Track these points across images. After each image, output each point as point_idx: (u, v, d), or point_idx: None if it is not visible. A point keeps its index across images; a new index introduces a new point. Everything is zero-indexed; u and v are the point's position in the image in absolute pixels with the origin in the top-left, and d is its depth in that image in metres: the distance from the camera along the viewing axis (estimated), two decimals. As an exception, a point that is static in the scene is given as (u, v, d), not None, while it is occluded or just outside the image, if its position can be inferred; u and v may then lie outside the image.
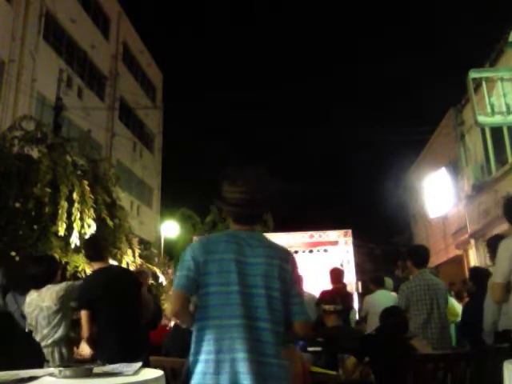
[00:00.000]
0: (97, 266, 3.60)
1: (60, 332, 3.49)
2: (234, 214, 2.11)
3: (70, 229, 7.58)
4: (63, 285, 3.60)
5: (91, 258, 3.68)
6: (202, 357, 1.90)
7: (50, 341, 3.46)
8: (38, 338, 3.46)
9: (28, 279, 3.68)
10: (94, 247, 3.73)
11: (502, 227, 7.40)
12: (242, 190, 2.04)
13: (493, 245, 4.15)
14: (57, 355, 3.44)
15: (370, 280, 6.77)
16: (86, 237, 7.67)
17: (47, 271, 3.69)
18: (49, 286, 3.59)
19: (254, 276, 1.96)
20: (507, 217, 3.22)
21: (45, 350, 3.41)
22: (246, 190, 2.04)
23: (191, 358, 1.93)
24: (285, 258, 2.06)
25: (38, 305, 3.52)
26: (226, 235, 2.10)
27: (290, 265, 2.06)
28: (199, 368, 1.90)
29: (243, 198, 2.03)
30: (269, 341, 1.91)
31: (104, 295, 3.32)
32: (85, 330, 3.37)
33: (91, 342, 3.44)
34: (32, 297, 3.58)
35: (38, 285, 3.59)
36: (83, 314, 3.38)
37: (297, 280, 2.04)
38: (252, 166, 2.12)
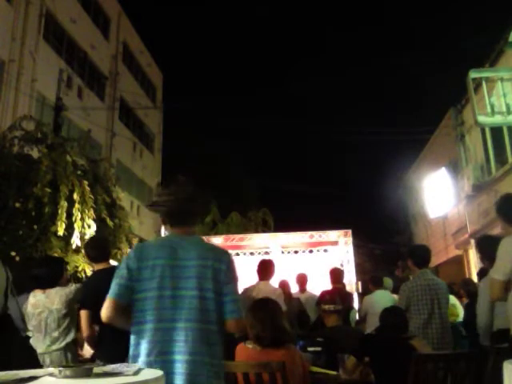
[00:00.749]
0: (98, 266, 3.58)
1: (72, 335, 3.50)
2: (167, 218, 2.22)
3: (69, 229, 7.58)
4: (72, 288, 3.59)
5: (93, 258, 3.66)
6: (138, 359, 2.01)
7: (62, 344, 3.45)
8: (46, 340, 3.44)
9: (32, 279, 3.66)
10: (97, 248, 3.71)
11: (502, 227, 7.39)
12: (170, 191, 2.20)
13: (481, 245, 4.16)
14: (70, 356, 3.45)
15: (369, 280, 6.79)
16: (87, 237, 7.69)
17: (52, 272, 3.68)
18: (57, 288, 3.58)
19: (187, 278, 2.05)
20: (506, 216, 3.16)
21: (57, 353, 3.41)
22: (174, 192, 2.19)
23: (129, 361, 2.03)
24: (218, 258, 2.13)
25: (47, 307, 3.49)
26: (160, 240, 2.28)
27: (224, 264, 2.12)
28: None
29: (172, 199, 2.17)
30: (201, 341, 2.00)
31: (105, 296, 3.31)
32: (84, 330, 3.37)
33: (91, 342, 3.44)
34: (38, 298, 3.55)
35: (43, 286, 3.57)
36: (83, 314, 3.38)
37: (231, 279, 2.13)
38: (182, 176, 2.30)
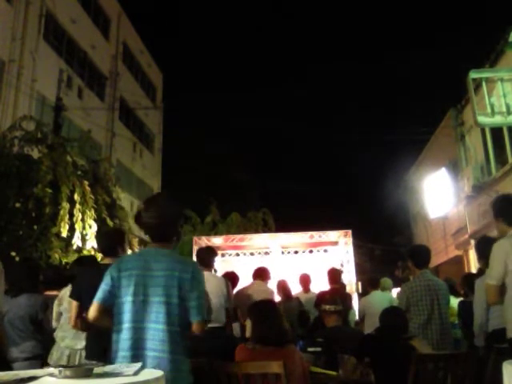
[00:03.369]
0: (104, 260, 3.54)
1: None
2: (150, 235, 2.57)
3: (70, 229, 7.59)
4: None
5: (101, 251, 3.64)
6: (117, 353, 2.35)
7: None
8: (79, 337, 3.41)
9: (66, 279, 3.65)
10: (103, 240, 3.71)
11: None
12: (152, 215, 2.50)
13: (478, 245, 4.15)
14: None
15: (367, 281, 6.80)
16: (88, 237, 7.69)
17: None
18: None
19: (156, 286, 2.38)
20: (507, 217, 3.13)
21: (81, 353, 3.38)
22: (156, 215, 2.50)
23: (111, 355, 2.37)
24: (184, 269, 2.43)
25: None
26: (138, 254, 2.68)
27: (189, 274, 2.42)
28: (115, 363, 2.29)
29: (154, 222, 2.50)
30: (166, 340, 2.32)
31: (89, 291, 3.28)
32: (71, 321, 3.36)
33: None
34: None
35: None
36: (73, 305, 3.37)
37: (196, 287, 2.41)
38: (162, 193, 2.76)
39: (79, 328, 3.37)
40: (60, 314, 3.52)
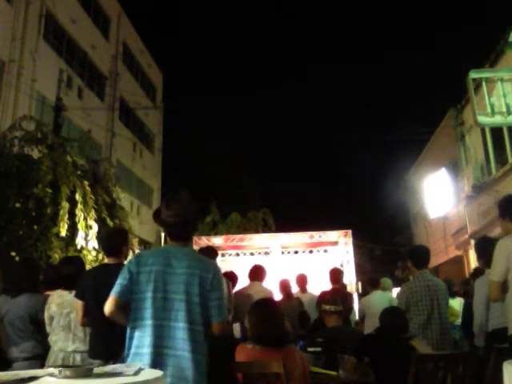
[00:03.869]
0: (108, 260, 3.53)
1: None
2: (169, 233, 2.54)
3: (70, 229, 7.59)
4: None
5: (103, 250, 3.64)
6: (132, 350, 2.31)
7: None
8: (75, 340, 3.41)
9: (62, 279, 3.64)
10: (105, 240, 3.71)
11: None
12: (174, 213, 2.45)
13: (478, 245, 4.18)
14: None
15: (367, 281, 6.79)
16: (89, 238, 7.70)
17: (78, 271, 3.67)
18: None
19: (177, 284, 2.35)
20: (509, 216, 3.16)
21: (86, 354, 3.38)
22: (178, 214, 2.45)
23: (125, 352, 2.33)
24: (205, 268, 2.42)
25: (75, 307, 3.46)
26: (157, 251, 2.61)
27: (210, 274, 2.41)
28: (130, 360, 2.28)
29: (175, 220, 2.46)
30: (185, 338, 2.28)
31: (92, 291, 3.28)
32: (79, 319, 3.37)
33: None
34: (66, 298, 3.52)
35: (71, 285, 3.54)
36: (78, 305, 3.37)
37: (216, 287, 2.40)
38: (183, 192, 2.57)
39: (88, 326, 3.38)
40: (51, 319, 3.52)
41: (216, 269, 2.48)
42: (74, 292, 3.49)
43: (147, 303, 2.32)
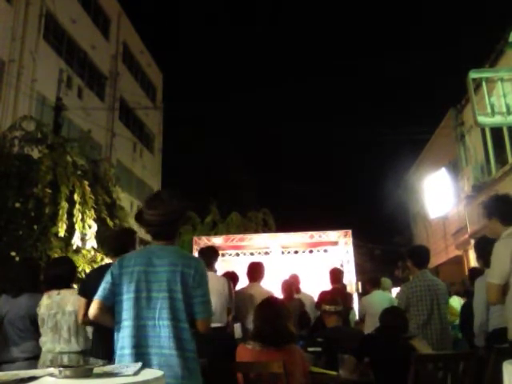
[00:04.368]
0: (113, 261, 3.54)
1: (85, 343, 3.45)
2: (151, 232, 2.50)
3: (70, 229, 7.58)
4: None
5: (113, 252, 3.61)
6: (118, 352, 2.31)
7: (77, 347, 3.42)
8: (61, 341, 3.41)
9: (51, 279, 3.64)
10: (111, 240, 3.73)
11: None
12: (155, 212, 2.41)
13: (478, 245, 4.15)
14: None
15: (367, 281, 6.78)
16: (88, 237, 7.68)
17: (69, 271, 3.68)
18: (72, 290, 3.56)
19: (159, 282, 2.33)
20: (503, 216, 3.15)
21: (74, 355, 3.37)
22: (160, 213, 2.41)
23: (114, 354, 2.32)
24: (187, 264, 2.38)
25: (61, 307, 3.47)
26: (139, 251, 2.58)
27: (193, 270, 2.37)
28: (117, 362, 2.27)
29: (158, 219, 2.42)
30: (170, 336, 2.25)
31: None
32: (79, 317, 3.35)
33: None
34: (53, 299, 3.52)
35: (60, 285, 3.55)
36: (81, 301, 3.36)
37: (200, 283, 2.37)
38: (165, 190, 2.52)
39: (88, 324, 3.37)
40: (42, 320, 3.53)
41: (199, 265, 2.43)
42: (62, 293, 3.51)
43: (130, 304, 2.31)
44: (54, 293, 3.56)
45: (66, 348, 3.41)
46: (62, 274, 3.64)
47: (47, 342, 3.45)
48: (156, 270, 2.35)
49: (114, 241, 3.71)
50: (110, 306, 2.37)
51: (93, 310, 2.37)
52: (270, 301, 3.25)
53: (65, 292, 3.56)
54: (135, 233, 3.82)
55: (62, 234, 7.35)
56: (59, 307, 3.48)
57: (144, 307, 2.30)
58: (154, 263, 2.37)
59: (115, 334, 2.36)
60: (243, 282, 6.23)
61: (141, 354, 2.24)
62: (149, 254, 2.42)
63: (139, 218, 2.49)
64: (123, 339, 2.30)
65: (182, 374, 2.23)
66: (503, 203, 3.18)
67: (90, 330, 3.47)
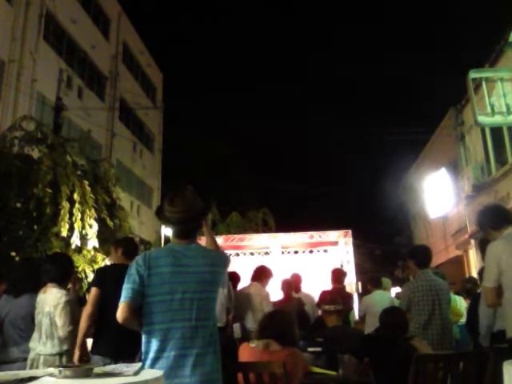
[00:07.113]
0: (126, 261, 3.55)
1: (64, 346, 3.38)
2: (174, 231, 2.47)
3: (70, 229, 7.58)
4: (64, 293, 3.47)
5: (127, 255, 3.64)
6: (152, 355, 2.25)
7: (53, 349, 3.38)
8: (40, 342, 3.39)
9: (43, 274, 3.59)
10: (130, 246, 3.78)
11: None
12: (179, 209, 2.38)
13: (482, 245, 4.17)
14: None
15: (368, 280, 6.76)
16: (89, 237, 7.70)
17: (62, 268, 3.64)
18: (54, 289, 3.50)
19: (190, 283, 2.31)
20: (492, 224, 3.24)
21: (52, 358, 3.35)
22: (183, 210, 2.38)
23: (142, 357, 2.27)
24: (218, 262, 2.43)
25: (42, 307, 3.45)
26: (165, 251, 2.47)
27: (222, 267, 2.45)
28: (150, 364, 2.23)
29: (179, 216, 2.38)
30: (204, 335, 2.28)
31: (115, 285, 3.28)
32: (88, 307, 3.34)
33: (89, 321, 3.35)
34: (40, 297, 3.51)
35: (52, 279, 3.53)
36: (93, 291, 3.36)
37: (227, 279, 2.55)
38: (186, 188, 2.48)
39: (92, 317, 3.35)
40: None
41: (227, 260, 2.56)
42: (48, 291, 3.48)
43: (163, 306, 2.26)
44: (42, 291, 3.54)
45: (43, 349, 3.36)
46: (51, 270, 3.57)
47: (33, 340, 3.44)
48: (187, 271, 2.32)
49: (130, 245, 3.80)
50: (137, 308, 2.30)
51: (123, 312, 2.26)
52: (276, 311, 3.37)
53: (50, 290, 3.49)
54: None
55: (64, 233, 7.36)
56: (40, 307, 3.46)
57: (178, 309, 2.27)
58: (183, 263, 2.34)
59: (147, 335, 2.29)
60: (243, 282, 6.23)
61: (180, 356, 2.22)
62: (175, 254, 2.37)
63: (160, 214, 2.46)
64: (161, 342, 2.24)
65: (217, 367, 2.29)
66: (488, 214, 3.36)
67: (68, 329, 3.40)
